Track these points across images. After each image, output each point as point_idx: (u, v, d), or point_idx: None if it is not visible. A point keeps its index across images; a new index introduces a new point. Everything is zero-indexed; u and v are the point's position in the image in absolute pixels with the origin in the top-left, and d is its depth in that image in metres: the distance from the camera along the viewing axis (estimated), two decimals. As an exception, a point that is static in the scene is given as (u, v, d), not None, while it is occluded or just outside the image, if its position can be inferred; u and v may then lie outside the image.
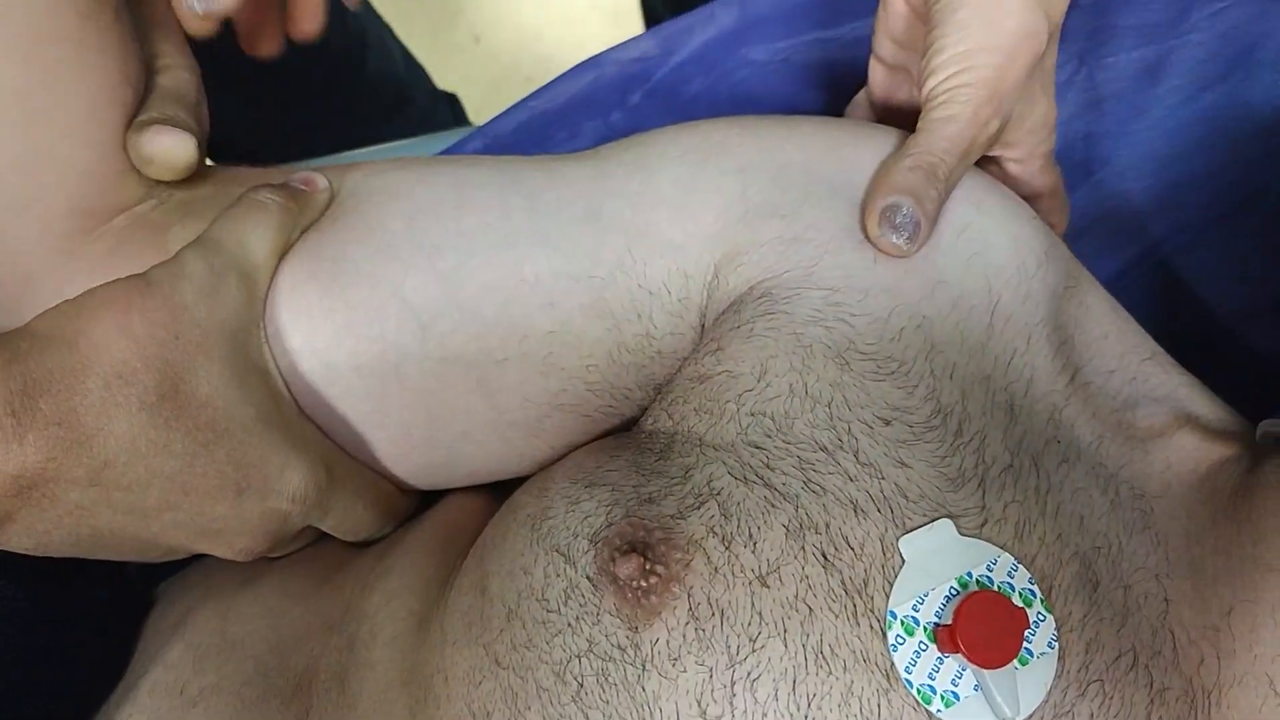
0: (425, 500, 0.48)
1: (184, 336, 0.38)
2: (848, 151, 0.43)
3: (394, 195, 0.44)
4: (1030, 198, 0.47)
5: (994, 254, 0.41)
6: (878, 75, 0.51)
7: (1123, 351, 0.42)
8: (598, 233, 0.42)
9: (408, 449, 0.44)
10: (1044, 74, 0.44)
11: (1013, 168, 0.46)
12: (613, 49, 0.60)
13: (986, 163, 0.47)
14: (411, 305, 0.42)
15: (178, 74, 0.44)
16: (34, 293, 0.42)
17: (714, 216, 0.42)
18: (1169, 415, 0.41)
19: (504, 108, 0.60)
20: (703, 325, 0.43)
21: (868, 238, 0.40)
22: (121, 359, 0.36)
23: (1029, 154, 0.46)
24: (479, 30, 1.31)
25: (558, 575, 0.37)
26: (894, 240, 0.40)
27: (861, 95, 0.53)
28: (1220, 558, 0.37)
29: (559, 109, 0.59)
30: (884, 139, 0.44)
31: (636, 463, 0.40)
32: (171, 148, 0.41)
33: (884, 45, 0.49)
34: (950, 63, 0.41)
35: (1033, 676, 0.36)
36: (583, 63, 0.60)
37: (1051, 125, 0.46)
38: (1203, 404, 0.42)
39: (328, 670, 0.42)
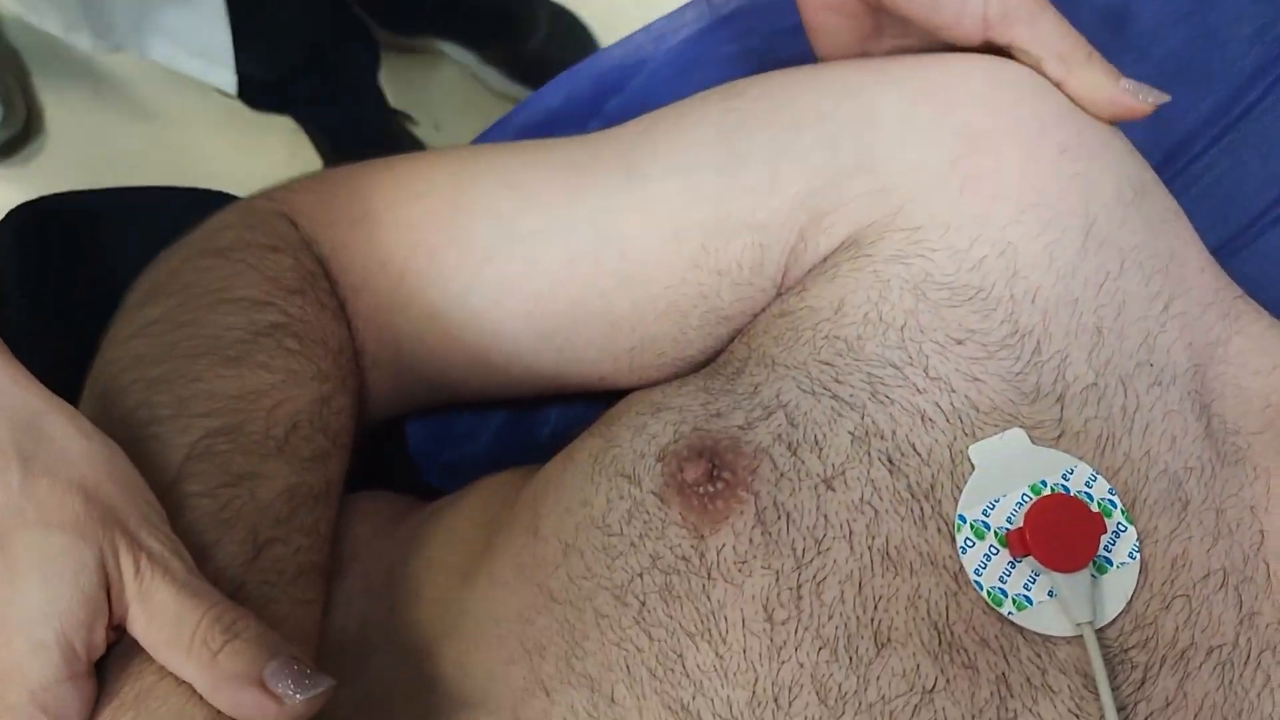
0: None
1: None
2: (945, 94, 0.41)
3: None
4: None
5: (1093, 176, 0.40)
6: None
7: (1218, 287, 0.41)
8: (677, 247, 0.43)
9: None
10: None
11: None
12: (583, 63, 0.60)
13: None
14: None
15: None
16: None
17: (798, 190, 0.42)
18: (1263, 353, 0.40)
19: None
20: (777, 286, 0.43)
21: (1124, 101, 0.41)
22: None
23: None
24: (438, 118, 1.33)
25: (621, 498, 0.38)
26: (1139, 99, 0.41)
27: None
28: None
29: (539, 123, 0.59)
30: (971, 67, 0.42)
31: (705, 386, 0.40)
32: None
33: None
34: None
35: (1112, 585, 0.35)
36: (558, 77, 0.60)
37: None
38: None
39: (377, 630, 0.42)
